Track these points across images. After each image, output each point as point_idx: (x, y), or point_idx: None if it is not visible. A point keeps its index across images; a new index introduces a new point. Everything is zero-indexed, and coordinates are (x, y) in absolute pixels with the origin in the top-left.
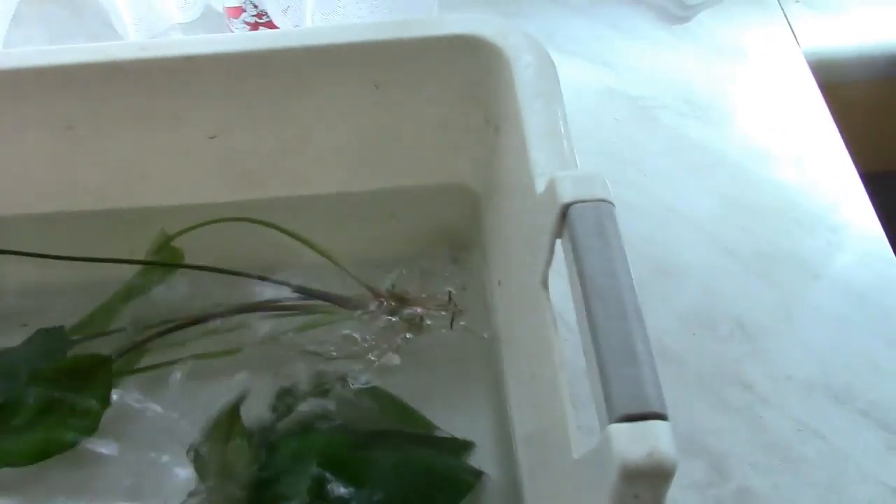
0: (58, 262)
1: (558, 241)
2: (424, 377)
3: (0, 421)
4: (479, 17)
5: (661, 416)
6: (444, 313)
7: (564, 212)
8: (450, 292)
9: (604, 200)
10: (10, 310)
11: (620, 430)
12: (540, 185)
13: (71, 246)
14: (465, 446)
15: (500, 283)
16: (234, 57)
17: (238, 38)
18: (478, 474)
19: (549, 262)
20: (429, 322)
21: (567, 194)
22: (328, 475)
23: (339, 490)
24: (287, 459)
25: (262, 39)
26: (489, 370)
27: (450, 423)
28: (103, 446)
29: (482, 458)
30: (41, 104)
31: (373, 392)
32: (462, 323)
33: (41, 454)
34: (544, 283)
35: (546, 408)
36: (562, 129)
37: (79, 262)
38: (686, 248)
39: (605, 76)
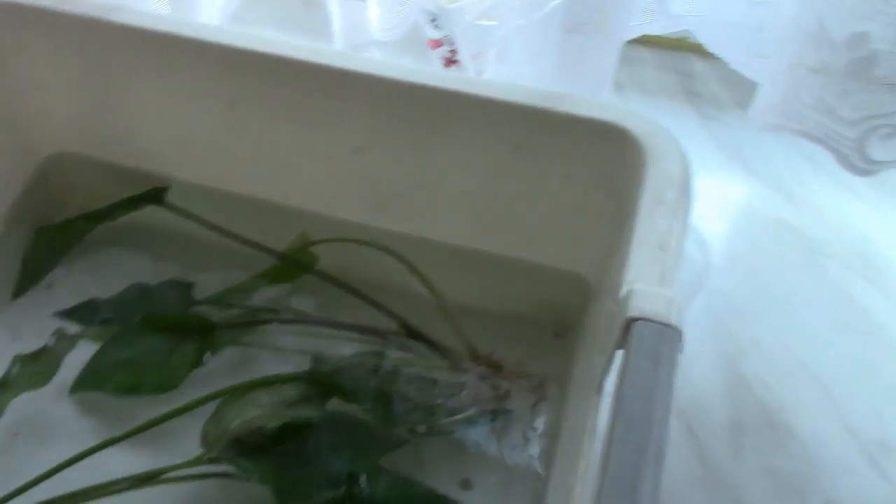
0: (207, 230)
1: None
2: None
3: (107, 350)
4: (629, 110)
5: None
6: (529, 395)
7: (629, 325)
8: (545, 377)
9: (670, 326)
10: (158, 254)
11: None
12: (624, 292)
13: (225, 222)
14: None
15: (576, 382)
16: (385, 82)
17: (396, 67)
18: None
19: (606, 371)
20: (510, 399)
21: (636, 308)
22: (363, 482)
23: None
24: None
25: (417, 74)
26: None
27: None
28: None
29: None
30: (211, 78)
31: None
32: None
33: (129, 389)
34: (598, 390)
35: None
36: (672, 245)
37: (225, 238)
38: (804, 409)
39: (782, 206)
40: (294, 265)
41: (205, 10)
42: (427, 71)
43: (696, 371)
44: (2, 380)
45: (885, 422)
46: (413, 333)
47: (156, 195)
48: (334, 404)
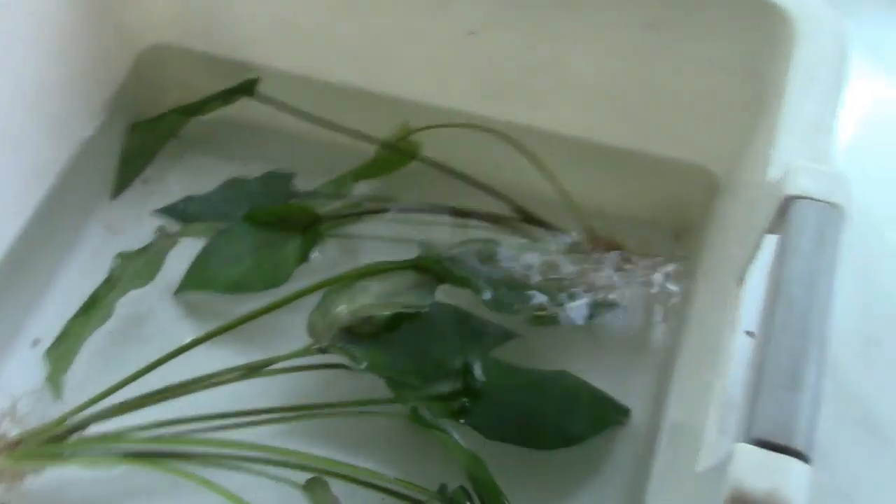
0: (304, 121)
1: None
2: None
3: (212, 248)
4: None
5: (802, 457)
6: (658, 273)
7: (787, 205)
8: (669, 257)
9: (836, 205)
10: (254, 149)
11: (747, 453)
12: (774, 172)
13: (322, 112)
14: (622, 411)
15: (706, 277)
16: None
17: None
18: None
19: (751, 258)
20: (636, 274)
21: (796, 186)
22: (477, 369)
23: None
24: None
25: None
26: (666, 349)
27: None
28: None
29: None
30: None
31: None
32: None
33: (237, 287)
34: (739, 280)
35: (693, 410)
36: (827, 124)
37: (322, 129)
38: None
39: None
40: (397, 154)
41: None
42: None
43: None
44: (107, 279)
45: None
46: (528, 218)
47: (248, 87)
48: (446, 292)
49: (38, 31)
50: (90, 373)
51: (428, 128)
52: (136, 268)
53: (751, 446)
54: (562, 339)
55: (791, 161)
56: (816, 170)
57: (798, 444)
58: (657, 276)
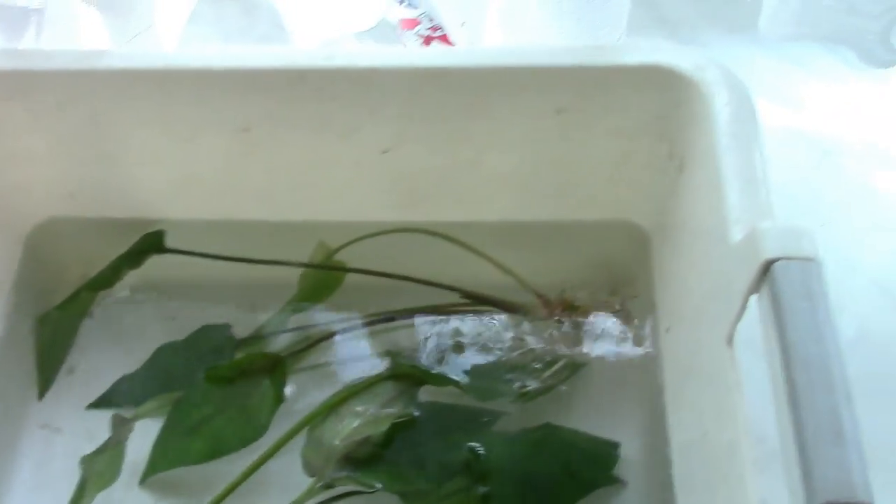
0: (220, 265)
1: (752, 298)
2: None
3: (175, 419)
4: (673, 48)
5: None
6: (616, 320)
7: (767, 267)
8: (622, 300)
9: (812, 259)
10: (170, 306)
11: None
12: (736, 234)
13: (234, 253)
14: (611, 447)
15: (668, 329)
16: (418, 72)
17: (423, 54)
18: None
19: (738, 319)
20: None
21: (772, 249)
22: (479, 448)
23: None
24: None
25: (448, 56)
26: (648, 408)
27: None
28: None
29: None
30: (223, 106)
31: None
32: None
33: (213, 454)
34: (729, 340)
35: (721, 474)
36: (761, 176)
37: (241, 268)
38: (863, 308)
39: (786, 116)
40: (326, 276)
41: (156, 43)
42: (452, 52)
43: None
44: (77, 488)
45: None
46: (480, 300)
47: (155, 243)
48: (427, 391)
49: None
50: None
51: (350, 243)
52: (99, 468)
53: None
54: (545, 405)
55: (751, 222)
56: (783, 229)
57: (862, 496)
58: (617, 330)
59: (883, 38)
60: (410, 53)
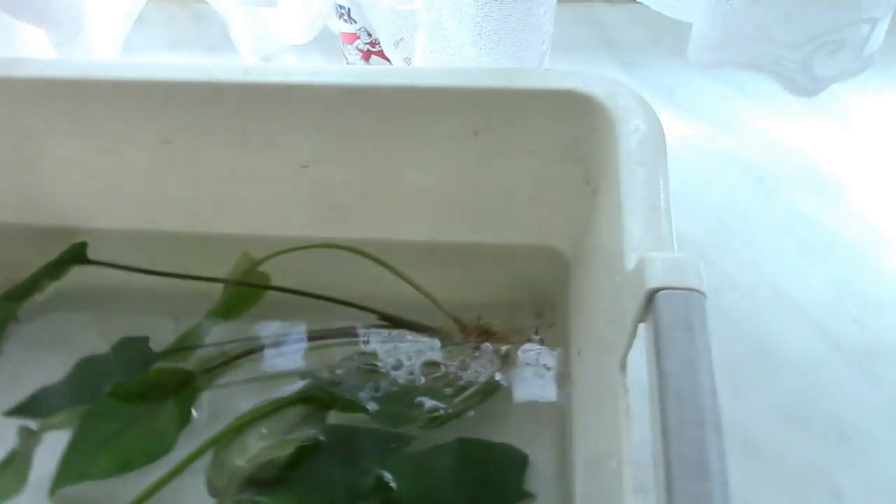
0: (144, 276)
1: (641, 326)
2: (494, 426)
3: (82, 433)
4: (589, 73)
5: None
6: (531, 345)
7: (651, 296)
8: (537, 328)
9: (695, 290)
10: (97, 318)
11: None
12: (630, 262)
13: (157, 264)
14: (520, 459)
15: (579, 352)
16: (333, 89)
17: (339, 71)
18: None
19: (629, 346)
20: (515, 356)
21: (656, 279)
22: (387, 475)
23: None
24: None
25: (364, 74)
26: (559, 431)
27: None
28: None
29: None
30: (142, 117)
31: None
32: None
33: (120, 469)
34: (622, 367)
35: (609, 498)
36: (662, 204)
37: (164, 279)
38: (788, 333)
39: (723, 140)
40: (248, 289)
41: (94, 48)
42: (369, 70)
43: None
44: None
45: (866, 329)
46: (396, 323)
47: (77, 253)
48: (337, 415)
49: None
50: None
51: (273, 256)
52: (5, 478)
53: None
54: (455, 427)
55: (643, 251)
56: (669, 259)
57: None
58: (532, 356)
59: (804, 68)
60: (327, 70)
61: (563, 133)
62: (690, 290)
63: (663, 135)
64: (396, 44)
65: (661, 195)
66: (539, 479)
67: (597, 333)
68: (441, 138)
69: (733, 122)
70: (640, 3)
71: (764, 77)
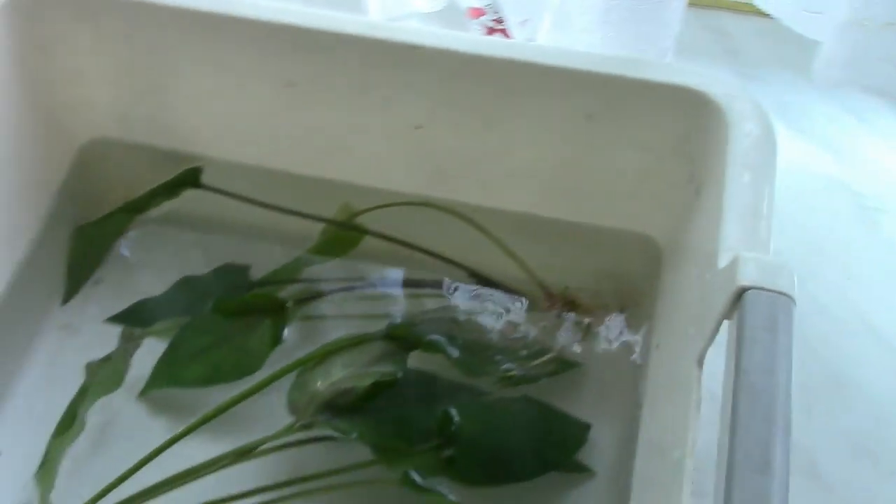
0: (250, 208)
1: (726, 323)
2: (564, 397)
3: (178, 343)
4: (710, 73)
5: None
6: (613, 326)
7: (740, 295)
8: (622, 306)
9: (785, 294)
10: (202, 242)
11: None
12: (723, 261)
13: (265, 199)
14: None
15: (658, 346)
16: (455, 55)
17: (463, 39)
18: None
19: (710, 342)
20: (597, 331)
21: (747, 277)
22: (454, 414)
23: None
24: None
25: (487, 45)
26: (627, 414)
27: None
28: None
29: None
30: (272, 58)
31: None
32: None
33: (207, 381)
34: (700, 362)
35: (664, 488)
36: (764, 210)
37: (269, 215)
38: (869, 365)
39: (831, 164)
40: (345, 234)
41: None
42: (494, 41)
43: None
44: (79, 391)
45: None
46: (485, 282)
47: (191, 177)
48: (416, 360)
49: None
50: (68, 483)
51: (374, 209)
52: (104, 376)
53: None
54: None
55: (738, 251)
56: (763, 260)
57: None
58: (613, 335)
59: None
60: (451, 37)
61: (674, 129)
62: (781, 293)
63: (775, 143)
64: (523, 23)
65: (765, 202)
66: (599, 457)
67: (679, 328)
68: (552, 118)
69: (846, 148)
70: (770, 17)
71: (884, 107)
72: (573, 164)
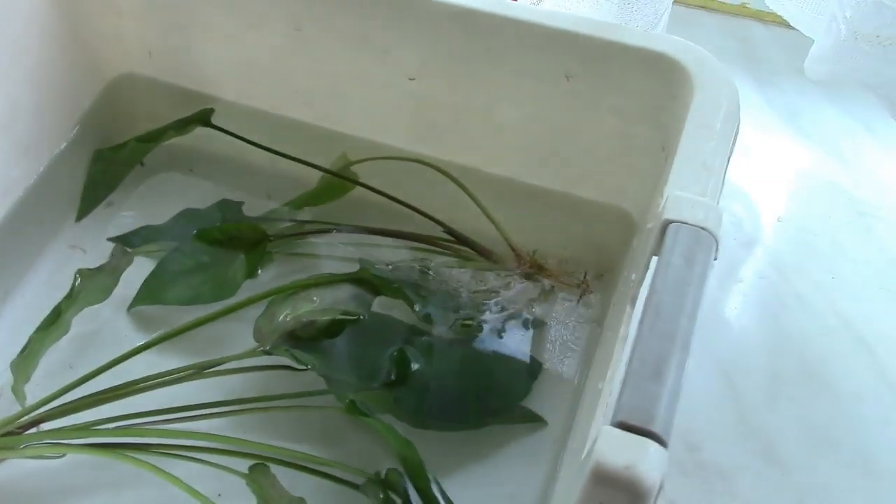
0: (253, 150)
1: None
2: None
3: (164, 265)
4: (684, 43)
5: (660, 440)
6: (575, 289)
7: (665, 228)
8: (585, 273)
9: (706, 230)
10: (210, 176)
11: (609, 434)
12: (661, 203)
13: (269, 142)
14: (534, 366)
15: (613, 304)
16: (447, 8)
17: None
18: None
19: (641, 281)
20: (558, 294)
21: (672, 212)
22: (409, 351)
23: (414, 366)
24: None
25: (485, 2)
26: (579, 366)
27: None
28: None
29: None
30: (279, 1)
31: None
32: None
33: (187, 301)
34: (632, 301)
35: (589, 415)
36: (718, 165)
37: (270, 158)
38: (842, 363)
39: (835, 171)
40: (340, 182)
41: None
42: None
43: (739, 324)
44: (67, 295)
45: None
46: (459, 239)
47: (203, 117)
48: (382, 306)
49: (14, 58)
50: (46, 380)
51: (368, 160)
52: (94, 285)
53: (613, 428)
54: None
55: (672, 192)
56: (692, 199)
57: (656, 428)
58: (573, 294)
59: None
60: None
61: (648, 94)
62: (702, 228)
63: (738, 111)
64: None
65: (717, 160)
66: (551, 409)
67: (626, 279)
68: (534, 75)
69: (851, 156)
70: (791, 27)
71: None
72: (554, 126)
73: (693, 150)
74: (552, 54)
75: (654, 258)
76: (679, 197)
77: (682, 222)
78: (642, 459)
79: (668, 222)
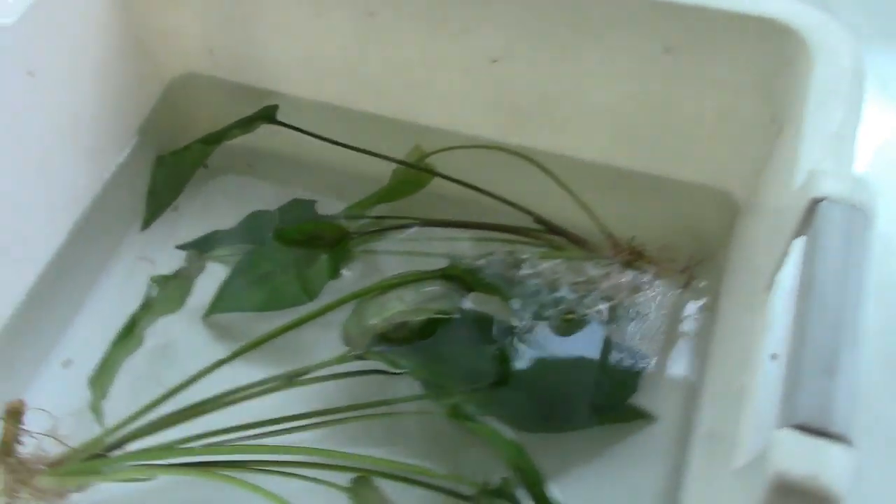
0: (323, 146)
1: (797, 243)
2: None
3: (241, 269)
4: (795, 5)
5: (845, 440)
6: (678, 277)
7: (813, 207)
8: (689, 259)
9: (861, 206)
10: (278, 175)
11: (788, 438)
12: (800, 180)
13: (339, 136)
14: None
15: (727, 293)
16: None
17: None
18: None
19: (780, 264)
20: (661, 283)
21: (822, 188)
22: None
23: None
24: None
25: None
26: (692, 357)
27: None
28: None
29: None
30: None
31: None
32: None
33: (268, 306)
34: (767, 287)
35: (728, 415)
36: (850, 132)
37: (341, 153)
38: None
39: None
40: (414, 175)
41: None
42: None
43: None
44: (142, 305)
45: None
46: (551, 228)
47: (267, 114)
48: (474, 302)
49: (75, 64)
50: (127, 397)
51: (444, 150)
52: (167, 294)
53: (792, 431)
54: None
55: (814, 166)
56: (839, 173)
57: (838, 428)
58: (680, 286)
59: None
60: None
61: (757, 63)
62: (856, 204)
63: (863, 70)
64: None
65: (850, 125)
66: (662, 405)
67: (750, 266)
68: (630, 51)
69: None
70: None
71: None
72: (650, 105)
73: (823, 119)
74: (650, 27)
75: (795, 241)
76: (824, 172)
77: (834, 200)
78: (829, 465)
79: (816, 201)
